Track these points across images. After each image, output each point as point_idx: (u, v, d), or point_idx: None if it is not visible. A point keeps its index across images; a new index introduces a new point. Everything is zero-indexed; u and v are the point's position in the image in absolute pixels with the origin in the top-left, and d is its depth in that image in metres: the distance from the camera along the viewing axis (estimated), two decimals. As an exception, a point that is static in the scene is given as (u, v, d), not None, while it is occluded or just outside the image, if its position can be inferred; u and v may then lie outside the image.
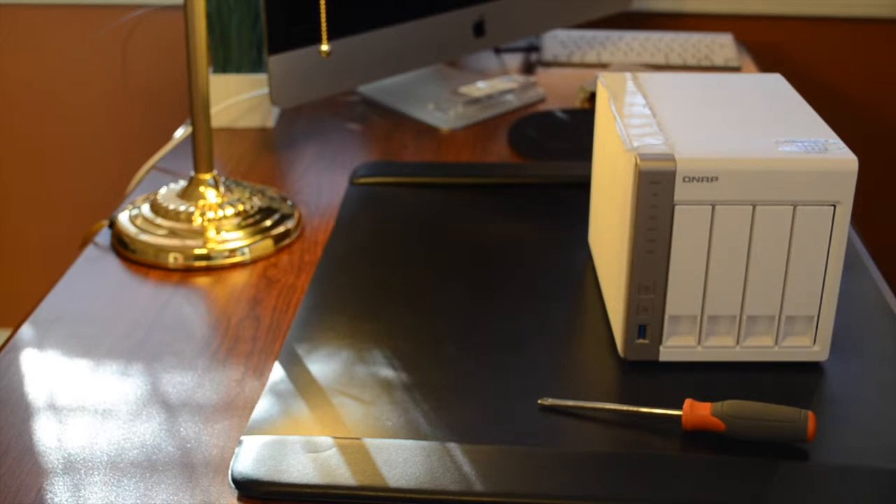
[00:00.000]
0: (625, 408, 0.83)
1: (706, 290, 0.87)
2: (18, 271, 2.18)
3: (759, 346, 0.89)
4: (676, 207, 0.84)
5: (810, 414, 0.79)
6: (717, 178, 0.84)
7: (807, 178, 0.84)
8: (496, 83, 1.56)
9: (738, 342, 0.89)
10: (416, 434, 0.81)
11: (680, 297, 0.87)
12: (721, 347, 0.89)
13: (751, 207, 0.85)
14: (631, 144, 0.86)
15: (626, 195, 0.86)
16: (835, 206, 0.85)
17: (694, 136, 0.87)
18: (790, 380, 0.88)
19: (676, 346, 0.89)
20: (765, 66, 1.91)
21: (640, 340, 0.89)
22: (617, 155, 0.90)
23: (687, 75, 1.02)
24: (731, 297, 0.88)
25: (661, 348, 0.89)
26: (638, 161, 0.83)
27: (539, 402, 0.84)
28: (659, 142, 0.86)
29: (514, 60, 1.71)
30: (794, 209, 0.85)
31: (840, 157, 0.85)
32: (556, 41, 1.75)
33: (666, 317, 0.88)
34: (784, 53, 1.93)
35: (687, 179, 0.84)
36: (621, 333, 0.89)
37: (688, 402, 0.81)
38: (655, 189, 0.84)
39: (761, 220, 0.85)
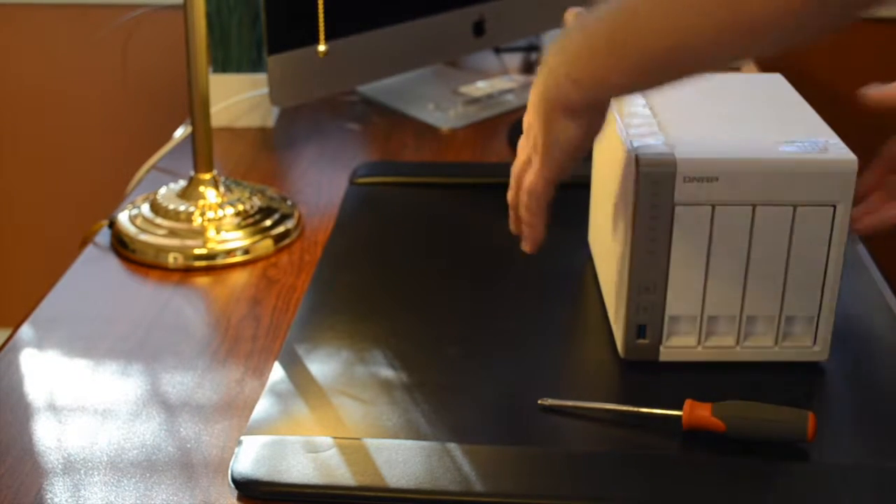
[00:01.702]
0: (625, 408, 0.83)
1: (706, 291, 0.87)
2: (18, 271, 2.18)
3: (759, 347, 0.89)
4: (677, 208, 0.84)
5: (810, 414, 0.79)
6: (717, 179, 0.84)
7: (807, 179, 0.84)
8: (496, 83, 1.56)
9: (738, 342, 0.89)
10: (416, 434, 0.81)
11: (680, 298, 0.87)
12: (721, 347, 0.89)
13: (751, 208, 0.85)
14: (631, 144, 0.86)
15: (626, 195, 0.86)
16: (835, 207, 0.85)
17: (694, 137, 0.87)
18: (790, 380, 0.88)
19: (676, 347, 0.89)
20: (765, 66, 1.91)
21: (641, 341, 0.89)
22: (617, 155, 0.90)
23: None
24: (731, 297, 0.87)
25: (662, 348, 0.89)
26: (638, 161, 0.83)
27: (539, 402, 0.84)
28: (659, 142, 0.86)
29: (514, 60, 1.71)
30: (795, 209, 0.85)
31: (840, 157, 0.84)
32: (556, 41, 1.75)
33: (666, 317, 0.88)
34: (784, 53, 1.92)
35: (687, 180, 0.83)
36: (621, 333, 0.89)
37: (688, 402, 0.81)
38: (656, 189, 0.84)
39: (761, 220, 0.85)
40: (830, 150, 0.85)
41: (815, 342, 0.89)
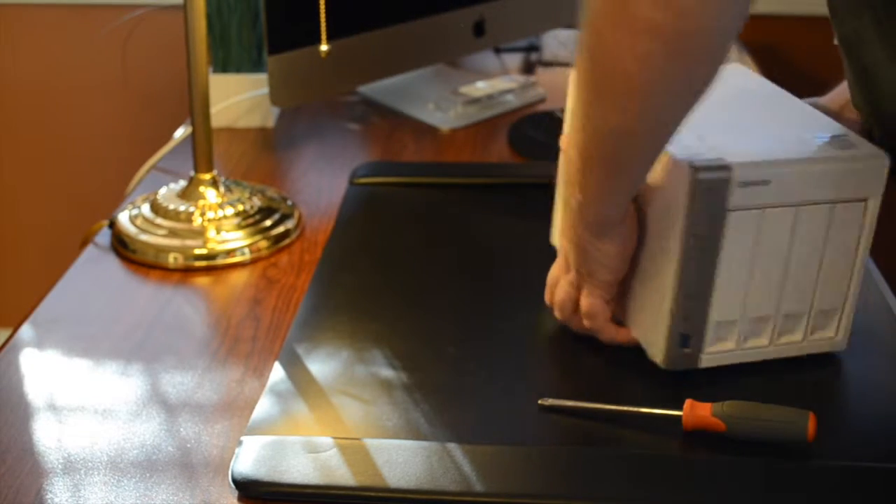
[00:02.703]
0: (625, 408, 0.83)
1: (749, 294, 0.85)
2: (18, 271, 2.18)
3: (790, 343, 0.89)
4: (730, 214, 0.82)
5: (810, 414, 0.79)
6: (769, 182, 0.82)
7: (846, 176, 0.83)
8: (496, 83, 1.56)
9: (771, 341, 0.88)
10: (416, 434, 0.81)
11: (724, 303, 0.85)
12: (756, 348, 0.88)
13: (795, 208, 0.83)
14: (678, 153, 0.82)
15: (668, 203, 0.84)
16: (867, 201, 0.85)
17: (728, 139, 0.85)
18: (790, 380, 0.88)
19: (716, 352, 0.87)
20: (765, 65, 1.91)
21: (684, 350, 0.86)
22: None
23: None
24: (771, 297, 0.86)
25: (702, 356, 0.87)
26: (694, 171, 0.80)
27: (539, 402, 0.84)
28: (703, 148, 0.83)
29: (514, 60, 1.71)
30: (833, 208, 0.84)
31: (872, 152, 0.84)
32: (556, 41, 1.75)
33: (710, 324, 0.86)
34: (784, 53, 1.92)
35: (742, 185, 0.81)
36: (663, 344, 0.86)
37: (688, 402, 0.81)
38: (710, 197, 0.81)
39: (803, 219, 0.84)
40: (859, 146, 0.85)
41: (837, 332, 0.89)
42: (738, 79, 0.98)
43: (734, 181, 0.81)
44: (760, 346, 0.88)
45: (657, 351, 0.87)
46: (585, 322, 0.90)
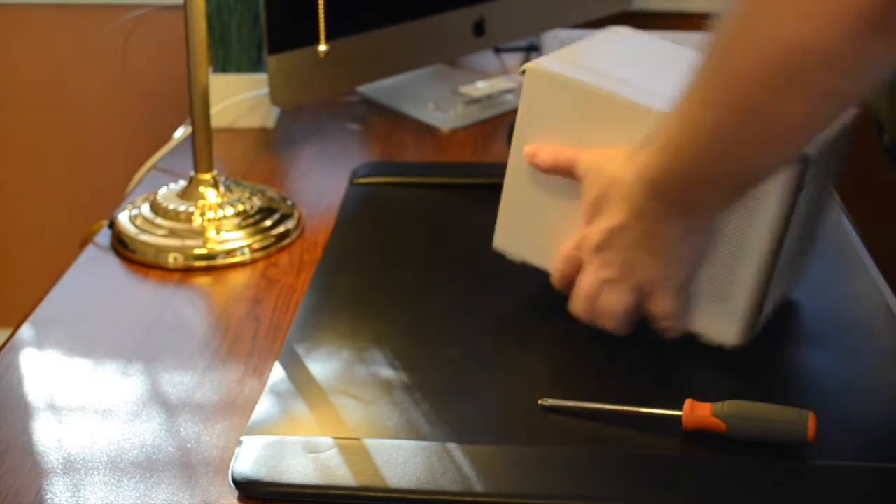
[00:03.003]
0: (625, 408, 0.83)
1: (786, 260, 0.90)
2: (18, 271, 2.18)
3: (781, 293, 0.94)
4: (800, 194, 0.85)
5: (811, 414, 0.79)
6: (817, 161, 0.85)
7: (843, 141, 0.90)
8: (496, 83, 1.56)
9: (775, 298, 0.92)
10: (416, 434, 0.81)
11: (777, 276, 0.89)
12: (774, 299, 0.92)
13: (813, 176, 0.87)
14: None
15: (750, 197, 0.86)
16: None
17: None
18: (790, 380, 0.88)
19: (761, 321, 0.90)
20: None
21: (755, 324, 0.90)
22: None
23: (584, 47, 0.99)
24: (790, 257, 0.90)
25: (757, 326, 0.90)
26: (794, 166, 0.83)
27: (539, 402, 0.84)
28: None
29: (514, 60, 1.71)
30: (818, 164, 0.88)
31: None
32: (556, 41, 1.75)
33: (769, 297, 0.89)
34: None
35: (811, 165, 0.84)
36: (738, 327, 0.88)
37: (688, 402, 0.81)
38: (798, 186, 0.84)
39: (811, 182, 0.87)
40: None
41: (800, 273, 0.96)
42: (635, 44, 1.00)
43: (810, 167, 0.84)
44: (776, 297, 0.92)
45: (728, 334, 0.89)
46: (666, 324, 0.90)
